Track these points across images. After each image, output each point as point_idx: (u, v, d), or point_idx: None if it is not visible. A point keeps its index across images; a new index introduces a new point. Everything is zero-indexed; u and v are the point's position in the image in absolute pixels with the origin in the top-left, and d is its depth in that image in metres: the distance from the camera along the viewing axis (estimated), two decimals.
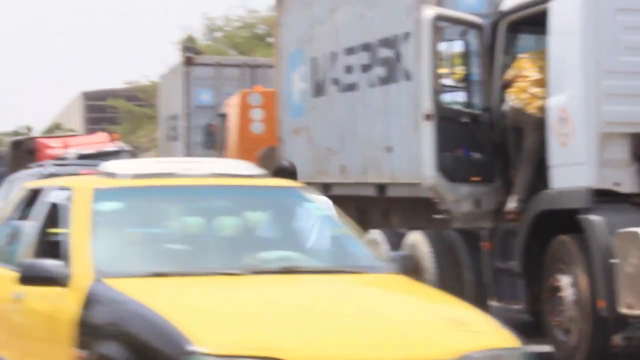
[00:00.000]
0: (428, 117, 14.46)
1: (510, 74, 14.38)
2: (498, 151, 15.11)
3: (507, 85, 14.49)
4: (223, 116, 26.17)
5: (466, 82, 15.30)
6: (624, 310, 12.13)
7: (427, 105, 14.50)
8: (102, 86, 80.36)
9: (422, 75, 14.95)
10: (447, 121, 14.68)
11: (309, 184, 20.01)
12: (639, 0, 13.37)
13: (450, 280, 15.63)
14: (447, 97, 15.39)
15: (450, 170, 14.73)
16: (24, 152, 53.16)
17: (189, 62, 30.92)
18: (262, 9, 55.31)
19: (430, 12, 14.63)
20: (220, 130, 26.33)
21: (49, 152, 49.72)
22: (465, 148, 14.95)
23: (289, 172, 17.40)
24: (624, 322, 12.61)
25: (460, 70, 15.16)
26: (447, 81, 15.27)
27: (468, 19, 15.18)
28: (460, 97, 15.49)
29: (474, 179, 14.90)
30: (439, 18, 14.81)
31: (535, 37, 14.73)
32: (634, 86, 13.09)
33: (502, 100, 14.63)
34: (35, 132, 73.39)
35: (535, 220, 13.73)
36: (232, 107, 25.63)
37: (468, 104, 15.36)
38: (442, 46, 15.24)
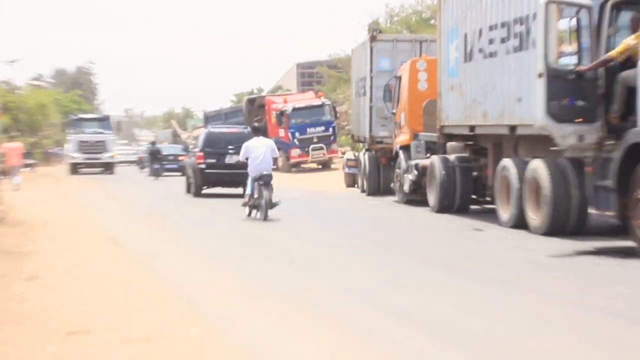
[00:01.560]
0: (540, 75, 15.39)
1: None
2: (600, 100, 15.57)
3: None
4: (398, 78, 26.81)
5: (578, 50, 15.62)
6: None
7: (540, 67, 15.42)
8: (311, 58, 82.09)
9: (537, 45, 15.94)
10: (555, 78, 15.34)
11: (459, 126, 21.66)
12: None
13: (561, 194, 16.76)
14: (563, 61, 16.02)
15: (557, 114, 15.44)
16: (256, 106, 55.60)
17: (373, 38, 31.52)
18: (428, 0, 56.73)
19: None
20: (395, 89, 26.96)
21: (274, 106, 51.85)
22: (571, 97, 15.46)
23: (261, 130, 24.10)
24: None
25: (574, 41, 15.65)
26: (564, 49, 15.93)
27: (576, 1, 15.71)
28: (573, 60, 15.85)
29: (577, 120, 15.50)
30: (552, 2, 15.69)
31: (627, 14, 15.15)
32: None
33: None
34: (264, 92, 75.78)
35: (627, 150, 14.25)
36: (404, 71, 26.31)
37: (578, 66, 15.69)
38: (562, 22, 15.96)
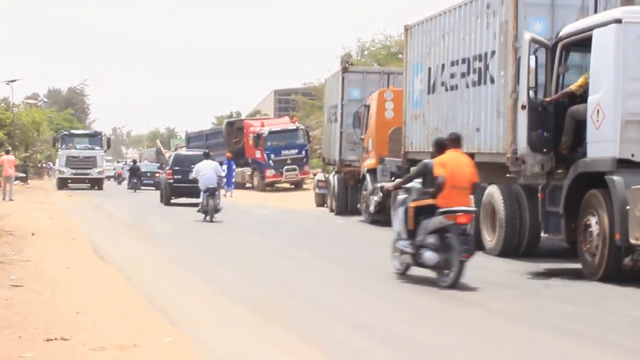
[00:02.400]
0: (523, 107, 14.80)
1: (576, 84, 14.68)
2: (555, 131, 15.26)
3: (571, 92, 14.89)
4: (367, 107, 26.82)
5: (536, 85, 15.19)
6: (632, 241, 12.59)
7: (523, 99, 14.83)
8: (288, 86, 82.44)
9: (521, 78, 15.18)
10: (532, 110, 14.84)
11: (422, 152, 21.64)
12: None
13: (514, 218, 16.88)
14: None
15: (534, 144, 14.91)
16: (235, 129, 55.81)
17: (345, 70, 31.62)
18: (395, 35, 56.91)
19: (528, 35, 14.99)
20: (364, 116, 26.98)
21: (251, 129, 52.07)
22: (542, 129, 15.11)
23: (209, 154, 26.53)
24: (632, 249, 12.87)
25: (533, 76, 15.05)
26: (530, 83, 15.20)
27: (543, 40, 15.61)
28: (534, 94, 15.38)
29: (545, 150, 15.11)
30: (533, 40, 15.22)
31: (580, 55, 15.24)
32: None
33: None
34: (242, 116, 76.29)
35: (575, 179, 14.20)
36: (373, 100, 26.32)
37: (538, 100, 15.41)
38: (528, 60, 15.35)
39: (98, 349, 8.22)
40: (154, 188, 49.39)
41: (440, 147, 13.97)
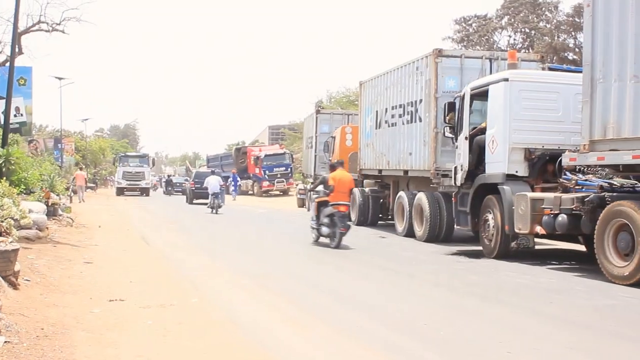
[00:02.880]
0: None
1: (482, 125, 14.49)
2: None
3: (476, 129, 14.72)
4: (333, 137, 26.62)
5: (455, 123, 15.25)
6: (516, 231, 12.76)
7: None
8: (278, 122, 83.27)
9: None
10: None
11: (371, 170, 21.62)
12: (532, 85, 13.55)
13: (436, 215, 16.90)
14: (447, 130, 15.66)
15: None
16: (241, 153, 55.95)
17: (318, 111, 31.65)
18: (352, 87, 57.15)
19: (467, 88, 14.93)
20: (331, 144, 26.74)
21: (252, 153, 52.30)
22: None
23: (215, 172, 25.78)
24: (516, 236, 13.10)
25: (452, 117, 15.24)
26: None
27: (460, 92, 15.52)
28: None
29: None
30: (463, 90, 15.24)
31: (481, 102, 14.92)
32: (525, 126, 13.46)
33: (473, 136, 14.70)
34: (246, 144, 76.32)
35: (477, 188, 14.32)
36: (337, 133, 26.15)
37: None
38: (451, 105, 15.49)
39: (145, 307, 8.18)
40: (181, 193, 52.54)
41: (333, 168, 16.54)
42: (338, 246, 15.05)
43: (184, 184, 55.10)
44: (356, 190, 22.37)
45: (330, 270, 12.18)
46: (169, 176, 65.60)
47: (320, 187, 16.04)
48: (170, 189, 57.52)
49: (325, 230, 15.56)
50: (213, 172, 32.23)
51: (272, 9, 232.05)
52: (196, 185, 37.17)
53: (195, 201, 37.32)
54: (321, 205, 15.79)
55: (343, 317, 7.87)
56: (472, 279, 11.11)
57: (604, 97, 10.89)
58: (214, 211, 28.24)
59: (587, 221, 11.33)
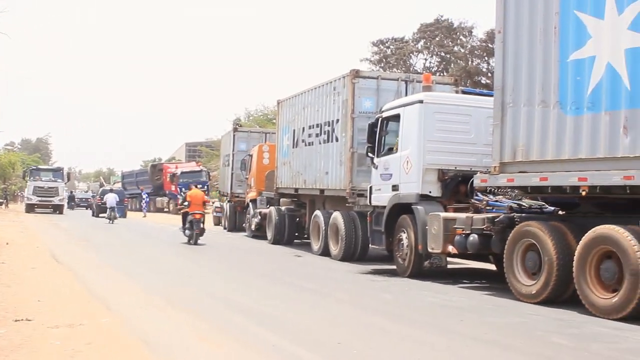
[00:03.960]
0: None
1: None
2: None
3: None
4: (250, 155, 26.43)
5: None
6: (429, 250, 12.93)
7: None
8: (195, 139, 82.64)
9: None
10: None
11: (288, 188, 21.64)
12: (446, 107, 13.88)
13: (351, 234, 16.93)
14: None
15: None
16: (157, 170, 55.24)
17: (235, 129, 31.44)
18: (270, 106, 57.25)
19: (383, 109, 15.17)
20: (248, 162, 26.59)
21: (169, 170, 51.82)
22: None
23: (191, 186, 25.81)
24: (429, 255, 13.20)
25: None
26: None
27: (378, 114, 15.47)
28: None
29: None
30: (378, 111, 15.54)
31: (396, 123, 14.75)
32: (438, 148, 13.76)
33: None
34: (162, 161, 75.29)
35: (392, 207, 14.37)
36: (254, 151, 25.99)
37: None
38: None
39: (53, 327, 7.92)
40: (86, 208, 58.10)
41: (189, 187, 23.58)
42: (196, 243, 21.00)
43: (88, 199, 60.82)
44: (272, 209, 22.41)
45: (242, 287, 12.09)
46: (71, 192, 68.70)
47: (186, 203, 21.88)
48: (72, 203, 59.95)
49: (187, 232, 21.48)
50: (111, 190, 40.14)
51: (189, 26, 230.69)
52: (102, 201, 40.88)
53: (101, 215, 41.10)
54: (184, 215, 21.98)
55: (256, 336, 7.82)
56: (386, 298, 11.19)
57: (513, 121, 11.21)
58: (111, 221, 34.33)
59: (497, 241, 11.61)
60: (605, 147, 9.61)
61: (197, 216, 21.19)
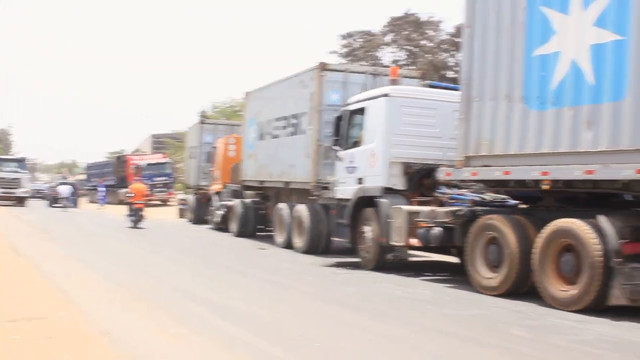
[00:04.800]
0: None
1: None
2: None
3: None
4: (216, 148, 26.34)
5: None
6: (393, 243, 13.04)
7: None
8: (162, 131, 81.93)
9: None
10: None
11: (253, 181, 21.63)
12: (411, 101, 13.92)
13: (315, 227, 16.90)
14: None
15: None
16: (121, 161, 54.65)
17: (202, 122, 31.46)
18: (239, 98, 56.91)
19: (347, 107, 15.18)
20: (214, 154, 26.50)
21: (133, 162, 51.26)
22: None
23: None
24: (393, 248, 13.31)
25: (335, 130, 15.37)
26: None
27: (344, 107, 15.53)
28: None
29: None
30: (345, 104, 15.58)
31: (361, 116, 14.80)
32: (404, 141, 13.79)
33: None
34: (127, 152, 74.57)
35: (356, 200, 14.39)
36: (220, 144, 25.93)
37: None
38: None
39: (12, 321, 7.82)
40: (42, 198, 56.84)
41: (131, 180, 26.50)
42: (136, 226, 24.81)
43: (43, 191, 60.93)
44: (237, 202, 22.36)
45: (205, 280, 12.09)
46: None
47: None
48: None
49: (132, 218, 25.10)
50: (65, 182, 45.41)
51: (155, 17, 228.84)
52: (56, 193, 44.14)
53: (54, 205, 43.68)
54: (129, 204, 25.55)
55: (219, 328, 7.82)
56: (349, 290, 11.25)
57: (479, 115, 11.35)
58: (65, 210, 38.23)
59: (459, 234, 11.71)
60: (567, 142, 9.79)
61: (139, 205, 25.32)
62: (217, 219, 24.75)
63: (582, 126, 9.56)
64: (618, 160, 8.99)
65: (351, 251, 15.40)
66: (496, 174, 10.87)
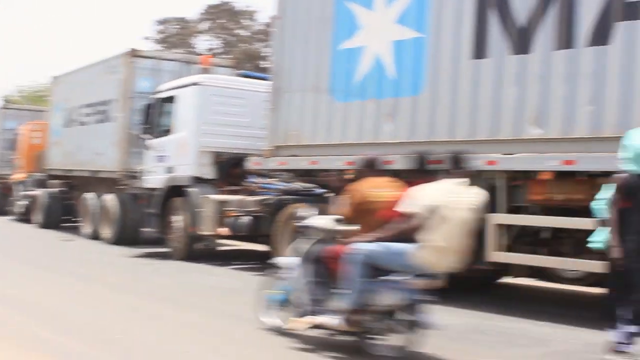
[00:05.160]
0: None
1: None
2: None
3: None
4: (19, 134, 25.10)
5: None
6: (202, 233, 12.99)
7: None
8: None
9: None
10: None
11: (60, 169, 20.79)
12: (222, 90, 13.92)
13: (124, 217, 16.55)
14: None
15: None
16: None
17: (5, 106, 29.88)
18: (46, 83, 54.19)
19: (159, 90, 15.01)
20: (16, 141, 25.38)
21: None
22: None
23: None
24: (202, 238, 13.41)
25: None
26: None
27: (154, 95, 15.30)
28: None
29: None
30: (155, 92, 15.27)
31: (171, 105, 14.58)
32: (214, 130, 13.77)
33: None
34: None
35: (166, 190, 14.24)
36: (24, 130, 24.84)
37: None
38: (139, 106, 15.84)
39: None
40: None
41: None
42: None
43: None
44: (42, 191, 21.42)
45: (4, 274, 11.51)
46: None
47: None
48: None
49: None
50: None
51: None
52: None
53: None
54: None
55: (21, 326, 7.46)
56: (158, 282, 11.13)
57: (288, 106, 11.62)
58: None
59: (268, 222, 11.91)
60: (370, 133, 10.22)
61: None
62: (20, 209, 23.58)
63: (383, 118, 10.01)
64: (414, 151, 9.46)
65: (161, 241, 15.22)
66: (303, 163, 11.15)
